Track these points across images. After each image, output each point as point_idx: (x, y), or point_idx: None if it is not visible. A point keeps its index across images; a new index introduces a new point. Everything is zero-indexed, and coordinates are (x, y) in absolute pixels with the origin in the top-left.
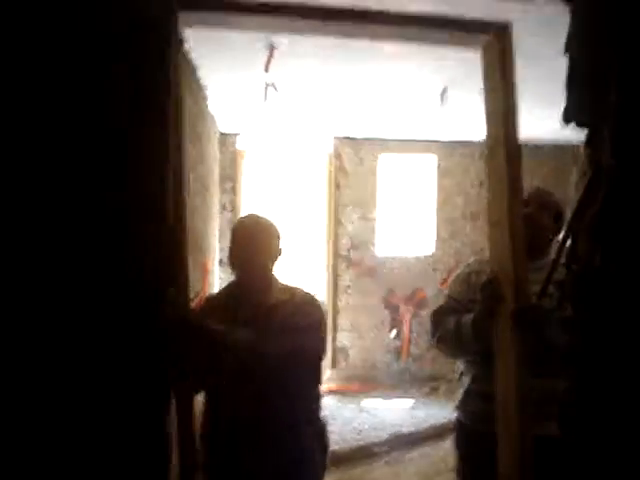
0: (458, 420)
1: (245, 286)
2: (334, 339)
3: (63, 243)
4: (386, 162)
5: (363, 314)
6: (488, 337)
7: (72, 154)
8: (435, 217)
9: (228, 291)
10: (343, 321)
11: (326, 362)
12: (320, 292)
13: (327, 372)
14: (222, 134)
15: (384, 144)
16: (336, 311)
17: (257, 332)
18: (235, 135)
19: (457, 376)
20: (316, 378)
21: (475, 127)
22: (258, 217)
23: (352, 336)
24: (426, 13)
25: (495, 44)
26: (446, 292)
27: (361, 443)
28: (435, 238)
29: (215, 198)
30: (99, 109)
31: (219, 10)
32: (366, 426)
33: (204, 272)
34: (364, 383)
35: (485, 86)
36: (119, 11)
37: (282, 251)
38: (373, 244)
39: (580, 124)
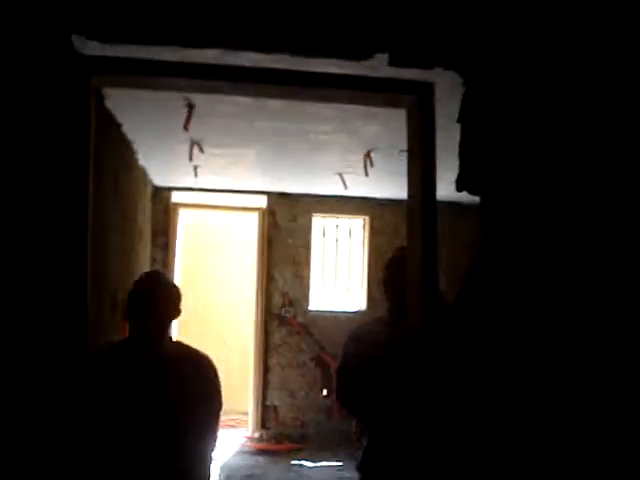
0: None
1: (138, 340)
2: (264, 398)
3: None
4: (319, 221)
5: (294, 372)
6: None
7: None
8: (366, 275)
9: (118, 346)
10: (274, 379)
11: (255, 421)
12: (250, 350)
13: (256, 431)
14: (156, 188)
15: (317, 201)
16: (267, 369)
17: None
18: (169, 189)
19: (355, 436)
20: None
21: (404, 185)
22: (160, 274)
23: (282, 395)
24: (348, 73)
25: (417, 107)
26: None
27: None
28: (366, 296)
29: (145, 252)
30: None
31: (133, 72)
32: None
33: (123, 325)
34: (294, 442)
35: (408, 146)
36: (33, 71)
37: (180, 312)
38: (306, 302)
39: (472, 192)
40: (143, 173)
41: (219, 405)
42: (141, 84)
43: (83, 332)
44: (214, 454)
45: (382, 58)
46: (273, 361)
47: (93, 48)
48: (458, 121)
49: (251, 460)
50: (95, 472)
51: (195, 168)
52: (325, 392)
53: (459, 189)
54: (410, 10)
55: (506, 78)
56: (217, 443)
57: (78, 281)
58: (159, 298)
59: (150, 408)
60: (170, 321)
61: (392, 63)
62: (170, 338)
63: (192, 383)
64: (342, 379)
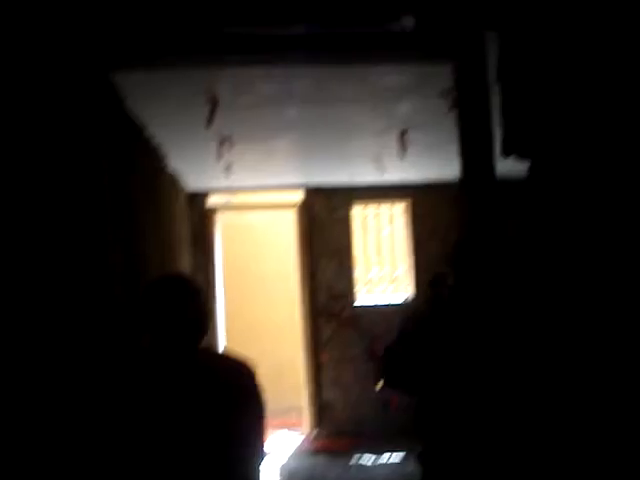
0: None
1: (168, 352)
2: (318, 395)
3: None
4: (359, 211)
5: (346, 367)
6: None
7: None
8: (411, 262)
9: (144, 359)
10: (326, 375)
11: (311, 420)
12: (300, 348)
13: (313, 430)
14: (191, 195)
15: (355, 190)
16: (318, 366)
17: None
18: (204, 194)
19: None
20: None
21: (444, 167)
22: (179, 276)
23: (336, 391)
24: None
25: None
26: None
27: None
28: (413, 285)
29: (184, 259)
30: (32, 168)
31: (153, 66)
32: None
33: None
34: (352, 439)
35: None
36: (49, 70)
37: (207, 312)
38: (351, 295)
39: (521, 156)
40: (174, 178)
41: (260, 412)
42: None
43: (112, 345)
44: (263, 462)
45: (409, 20)
46: (324, 357)
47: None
48: (497, 80)
49: (310, 460)
50: None
51: (226, 167)
52: (380, 385)
53: (506, 153)
54: None
55: (544, 35)
56: (264, 451)
57: (106, 293)
58: (188, 305)
59: (182, 424)
60: (201, 326)
61: (418, 25)
62: (205, 350)
63: (227, 394)
64: (391, 358)
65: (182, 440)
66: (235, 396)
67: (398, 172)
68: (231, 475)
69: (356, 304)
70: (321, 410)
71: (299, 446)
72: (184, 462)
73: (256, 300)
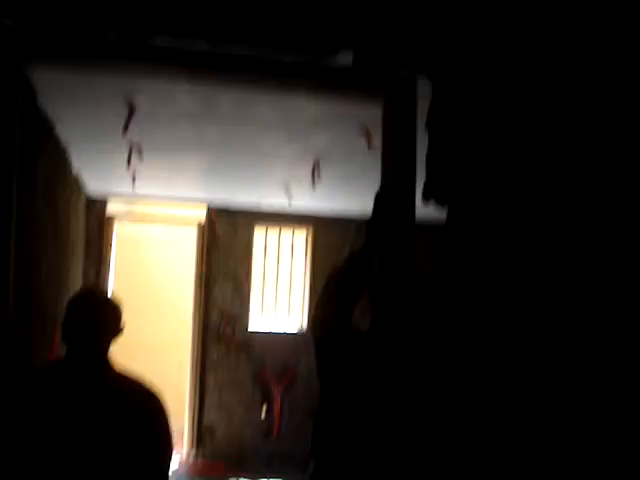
0: None
1: (77, 366)
2: (200, 418)
3: None
4: (261, 235)
5: (232, 391)
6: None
7: None
8: (308, 292)
9: (53, 369)
10: (211, 399)
11: (191, 442)
12: (186, 368)
13: (192, 453)
14: (90, 200)
15: (259, 216)
16: (203, 388)
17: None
18: (104, 201)
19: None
20: None
21: (351, 200)
22: (98, 292)
23: (220, 414)
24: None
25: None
26: None
27: None
28: (307, 314)
29: (78, 266)
30: None
31: (71, 65)
32: None
33: (53, 342)
34: (231, 463)
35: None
36: None
37: (122, 330)
38: (246, 319)
39: (440, 202)
40: (77, 181)
41: (169, 455)
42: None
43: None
44: None
45: (346, 56)
46: (210, 379)
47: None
48: (426, 127)
49: None
50: None
51: (133, 176)
52: (264, 412)
53: (426, 198)
54: (379, 10)
55: (476, 85)
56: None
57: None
58: (98, 320)
59: (79, 445)
60: (110, 342)
61: (356, 62)
62: (113, 369)
63: (132, 415)
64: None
65: (82, 458)
66: (140, 418)
67: (304, 200)
68: None
69: (249, 329)
70: (202, 433)
71: (176, 469)
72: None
73: (147, 316)
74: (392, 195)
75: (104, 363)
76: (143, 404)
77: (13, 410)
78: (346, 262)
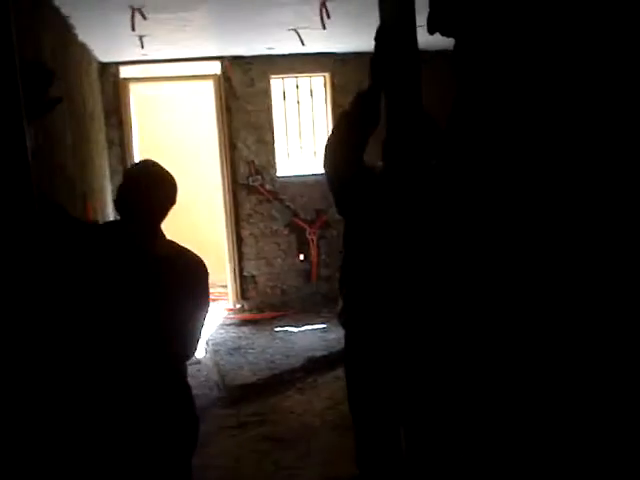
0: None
1: (130, 232)
2: (241, 269)
3: None
4: (278, 83)
5: (268, 241)
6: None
7: None
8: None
9: (110, 230)
10: (248, 250)
11: (235, 292)
12: (221, 222)
13: (237, 303)
14: (102, 64)
15: (274, 61)
16: (240, 240)
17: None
18: (116, 64)
19: (338, 290)
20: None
21: (365, 38)
22: (153, 163)
23: (259, 264)
24: None
25: None
26: None
27: (275, 372)
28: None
29: (100, 134)
30: None
31: None
32: (279, 355)
33: (87, 214)
34: (276, 310)
35: None
36: None
37: (174, 202)
38: (273, 168)
39: (445, 34)
40: (85, 49)
41: (206, 305)
42: None
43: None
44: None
45: None
46: (246, 232)
47: None
48: None
49: (236, 331)
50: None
51: (140, 38)
52: (302, 257)
53: (431, 30)
54: None
55: None
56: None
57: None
58: (154, 190)
59: (138, 298)
60: (164, 214)
61: None
62: (164, 237)
63: (182, 284)
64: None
65: (128, 310)
66: (189, 287)
67: (318, 43)
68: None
69: (278, 177)
70: (245, 283)
71: (224, 319)
72: (128, 331)
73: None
74: (393, 30)
75: (156, 232)
76: (190, 269)
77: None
78: (354, 102)
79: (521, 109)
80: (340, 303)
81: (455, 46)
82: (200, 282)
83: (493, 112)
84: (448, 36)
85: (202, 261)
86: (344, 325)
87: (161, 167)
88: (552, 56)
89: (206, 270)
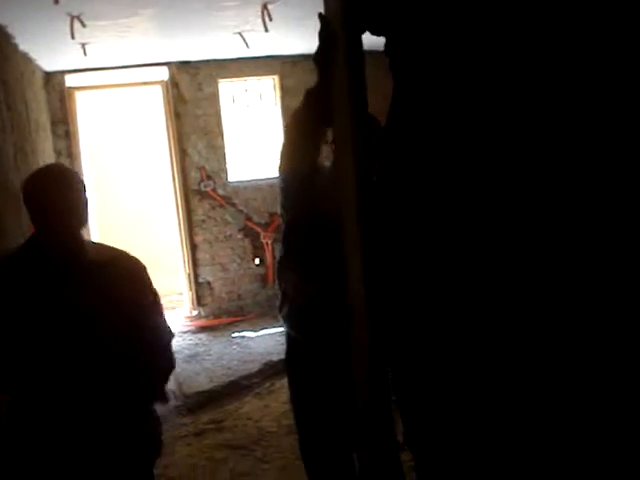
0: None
1: (52, 245)
2: (196, 276)
3: None
4: (226, 87)
5: (223, 246)
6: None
7: None
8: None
9: (26, 252)
10: (203, 256)
11: (191, 299)
12: (174, 229)
13: (194, 310)
14: (47, 73)
15: (222, 66)
16: (194, 247)
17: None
18: (62, 73)
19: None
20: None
21: (312, 40)
22: (59, 166)
23: (214, 270)
24: None
25: None
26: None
27: (232, 378)
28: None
29: (46, 144)
30: None
31: None
32: (236, 360)
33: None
34: (233, 315)
35: None
36: None
37: (88, 202)
38: (224, 173)
39: (375, 32)
40: (27, 59)
41: (155, 298)
42: None
43: None
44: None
45: None
46: (200, 238)
47: None
48: None
49: (192, 339)
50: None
51: (83, 46)
52: (257, 261)
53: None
54: None
55: None
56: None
57: None
58: (68, 194)
59: (73, 318)
60: (81, 215)
61: None
62: (87, 241)
63: (119, 287)
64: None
65: (67, 338)
66: (127, 289)
67: (264, 46)
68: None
69: (229, 182)
70: (200, 290)
71: (181, 326)
72: (71, 361)
73: (127, 183)
74: (335, 26)
75: (78, 237)
76: (126, 270)
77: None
78: (303, 101)
79: (453, 106)
80: (280, 297)
81: (386, 45)
82: (141, 279)
83: (428, 110)
84: (378, 35)
85: (135, 257)
86: (284, 319)
87: (62, 166)
88: (480, 50)
89: (142, 266)
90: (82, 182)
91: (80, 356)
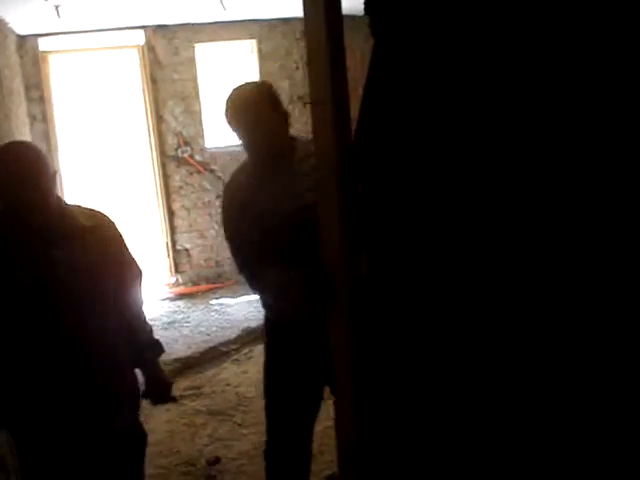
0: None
1: (22, 217)
2: (174, 243)
3: None
4: (204, 51)
5: (200, 212)
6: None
7: None
8: None
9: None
10: (180, 223)
11: (169, 267)
12: (151, 196)
13: (172, 277)
14: (20, 37)
15: (199, 29)
16: (171, 214)
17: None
18: (36, 37)
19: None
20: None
21: (293, 2)
22: (18, 144)
23: (192, 237)
24: None
25: None
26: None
27: (210, 344)
28: None
29: (20, 109)
30: None
31: None
32: (214, 327)
33: None
34: (211, 282)
35: None
36: None
37: (55, 174)
38: (201, 139)
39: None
40: None
41: (128, 254)
42: None
43: None
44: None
45: None
46: (177, 204)
47: None
48: None
49: (170, 306)
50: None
51: (56, 8)
52: None
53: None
54: None
55: None
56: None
57: None
58: (34, 165)
59: (52, 283)
60: (50, 183)
61: None
62: (61, 207)
63: (97, 251)
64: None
65: (48, 305)
66: (107, 254)
67: (241, 10)
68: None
69: (207, 148)
70: (178, 257)
71: (159, 293)
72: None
73: (103, 149)
74: None
75: (48, 208)
76: (102, 229)
77: None
78: None
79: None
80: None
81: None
82: (117, 237)
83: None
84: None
85: (106, 215)
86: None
87: (23, 142)
88: (462, 45)
89: (114, 223)
90: (43, 156)
91: (61, 319)
